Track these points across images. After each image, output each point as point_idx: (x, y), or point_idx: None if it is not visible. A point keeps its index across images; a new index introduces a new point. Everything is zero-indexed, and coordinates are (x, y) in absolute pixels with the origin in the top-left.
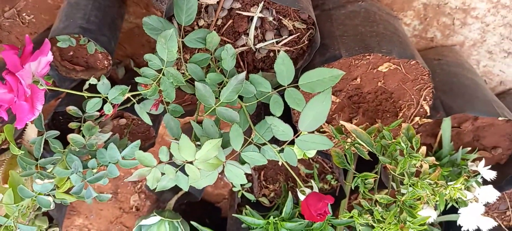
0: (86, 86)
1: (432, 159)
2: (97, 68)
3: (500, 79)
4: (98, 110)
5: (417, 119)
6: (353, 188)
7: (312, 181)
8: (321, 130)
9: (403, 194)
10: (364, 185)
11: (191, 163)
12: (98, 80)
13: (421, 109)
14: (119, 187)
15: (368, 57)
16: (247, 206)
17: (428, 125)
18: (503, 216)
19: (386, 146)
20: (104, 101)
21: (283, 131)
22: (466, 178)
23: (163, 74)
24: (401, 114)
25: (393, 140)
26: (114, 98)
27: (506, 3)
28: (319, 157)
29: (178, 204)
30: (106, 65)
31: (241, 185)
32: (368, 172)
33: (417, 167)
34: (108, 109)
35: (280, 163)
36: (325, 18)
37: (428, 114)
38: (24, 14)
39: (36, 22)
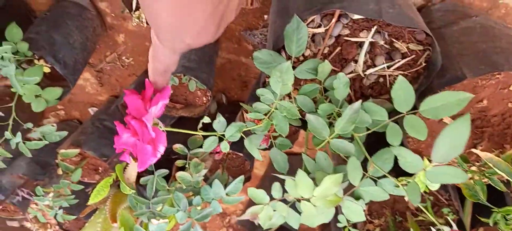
0: (200, 125)
1: None
2: (196, 104)
3: None
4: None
5: None
6: (491, 224)
7: (428, 215)
8: None
9: None
10: (505, 221)
11: (307, 200)
12: (197, 116)
13: None
14: (207, 222)
15: (497, 76)
16: None
17: None
18: None
19: None
20: (220, 139)
21: (411, 161)
22: None
23: (276, 108)
24: None
25: None
26: (231, 135)
27: None
28: None
29: None
30: (205, 101)
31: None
32: (495, 206)
33: None
34: (225, 147)
35: (406, 199)
36: (436, 37)
37: None
38: (123, 58)
39: (135, 64)
